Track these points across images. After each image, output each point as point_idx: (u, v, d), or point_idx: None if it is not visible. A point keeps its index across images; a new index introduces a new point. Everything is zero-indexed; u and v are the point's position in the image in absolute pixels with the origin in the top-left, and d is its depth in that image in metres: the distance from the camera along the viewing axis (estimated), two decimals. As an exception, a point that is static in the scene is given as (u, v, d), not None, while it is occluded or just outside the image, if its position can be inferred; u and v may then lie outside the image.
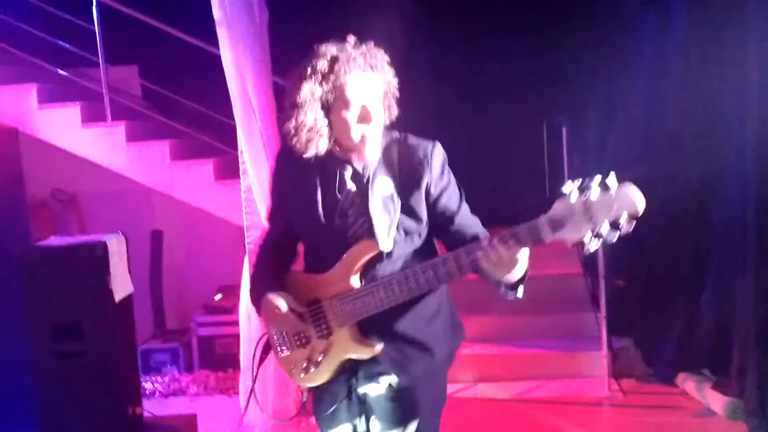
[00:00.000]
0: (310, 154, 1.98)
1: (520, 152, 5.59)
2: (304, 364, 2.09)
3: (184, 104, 5.34)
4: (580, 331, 4.55)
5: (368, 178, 2.01)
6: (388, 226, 1.97)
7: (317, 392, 2.17)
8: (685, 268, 4.17)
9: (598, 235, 1.66)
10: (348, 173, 2.02)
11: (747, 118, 3.53)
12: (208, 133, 5.22)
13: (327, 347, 2.06)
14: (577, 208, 1.67)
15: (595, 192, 1.65)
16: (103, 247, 2.89)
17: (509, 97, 5.61)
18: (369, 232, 1.98)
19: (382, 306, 1.96)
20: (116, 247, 2.95)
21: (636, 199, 1.64)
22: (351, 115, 1.95)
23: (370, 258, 1.99)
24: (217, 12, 3.77)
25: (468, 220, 2.03)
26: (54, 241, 3.11)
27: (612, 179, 1.65)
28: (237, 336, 4.07)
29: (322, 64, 1.94)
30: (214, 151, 5.06)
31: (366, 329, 2.03)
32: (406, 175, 2.00)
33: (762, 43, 3.45)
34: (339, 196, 2.02)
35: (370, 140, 1.98)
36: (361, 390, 2.09)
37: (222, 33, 3.79)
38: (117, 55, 5.28)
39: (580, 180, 1.68)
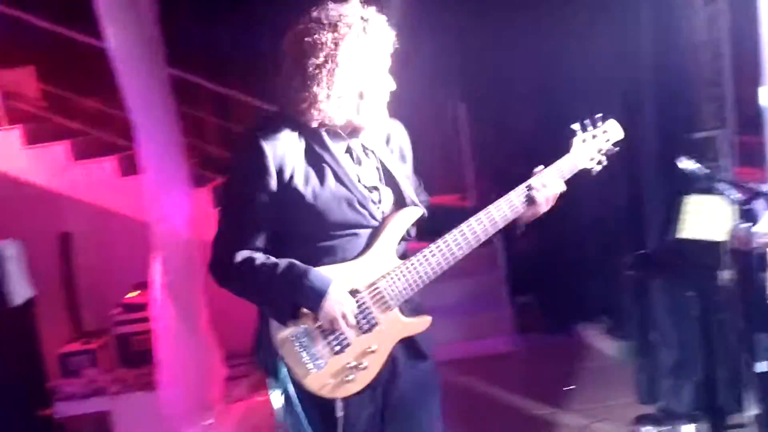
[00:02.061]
0: (330, 123, 1.82)
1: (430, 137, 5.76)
2: (348, 375, 1.84)
3: (86, 103, 5.29)
4: (484, 291, 4.75)
5: (377, 147, 1.95)
6: (412, 192, 1.95)
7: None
8: (580, 226, 4.44)
9: (599, 162, 2.01)
10: (358, 145, 1.92)
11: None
12: (112, 129, 5.19)
13: (374, 341, 1.86)
14: (588, 141, 2.00)
15: (594, 129, 2.01)
16: (-5, 253, 2.90)
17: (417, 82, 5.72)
18: (399, 202, 1.93)
19: (436, 273, 1.88)
20: (11, 253, 2.97)
21: (618, 129, 2.03)
22: (385, 81, 1.86)
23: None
24: (102, 7, 3.75)
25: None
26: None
27: (599, 118, 2.02)
28: (154, 332, 4.10)
29: (357, 22, 1.79)
30: (120, 148, 5.04)
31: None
32: (393, 145, 2.00)
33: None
34: (358, 170, 1.89)
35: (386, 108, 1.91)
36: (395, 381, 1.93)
37: (109, 29, 3.78)
38: (13, 57, 5.18)
39: (581, 122, 2.02)
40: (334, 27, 1.77)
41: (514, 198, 1.91)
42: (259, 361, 1.94)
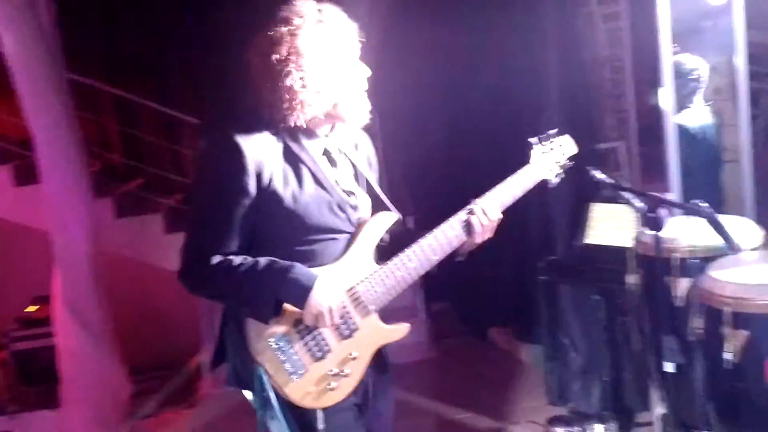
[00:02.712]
0: (302, 120, 1.77)
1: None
2: (330, 383, 1.78)
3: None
4: (400, 298, 4.78)
5: (350, 149, 1.93)
6: (386, 197, 1.93)
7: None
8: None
9: (557, 174, 2.12)
10: (334, 146, 1.88)
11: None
12: (7, 137, 4.91)
13: (355, 347, 1.81)
14: (547, 154, 2.09)
15: (551, 142, 2.10)
16: None
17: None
18: (375, 206, 1.92)
19: (413, 278, 1.86)
20: None
21: (572, 144, 2.17)
22: (358, 68, 1.85)
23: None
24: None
25: None
26: None
27: (554, 133, 2.13)
28: (57, 348, 3.90)
29: (312, 13, 1.78)
30: (15, 156, 4.77)
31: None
32: (361, 153, 1.97)
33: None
34: (335, 173, 1.86)
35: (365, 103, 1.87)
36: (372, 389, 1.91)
37: (6, 35, 3.59)
38: None
39: (539, 137, 2.11)
40: (288, 20, 1.76)
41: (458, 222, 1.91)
42: (228, 373, 1.86)
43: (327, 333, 1.79)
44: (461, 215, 1.91)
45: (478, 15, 4.31)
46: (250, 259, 1.76)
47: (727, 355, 2.13)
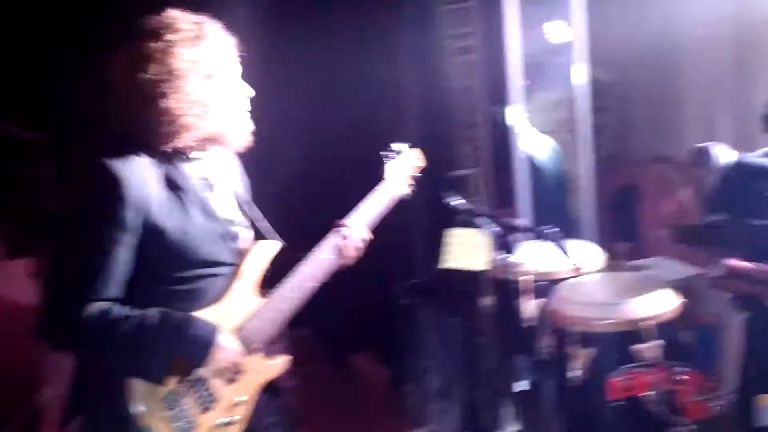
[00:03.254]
0: (182, 144, 1.62)
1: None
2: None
3: None
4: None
5: (225, 173, 1.78)
6: (267, 223, 1.81)
7: None
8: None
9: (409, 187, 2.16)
10: (211, 171, 1.74)
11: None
12: None
13: (242, 390, 1.70)
14: (399, 168, 2.11)
15: (400, 156, 2.13)
16: None
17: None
18: (256, 235, 1.78)
19: (296, 309, 1.77)
20: None
21: (421, 156, 2.22)
22: (239, 88, 1.72)
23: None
24: None
25: None
26: None
27: (403, 147, 2.17)
28: None
29: (189, 27, 1.62)
30: None
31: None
32: (234, 176, 1.85)
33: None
34: (215, 200, 1.72)
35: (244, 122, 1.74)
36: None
37: None
38: None
39: (390, 151, 2.14)
40: (159, 34, 1.60)
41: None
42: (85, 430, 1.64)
43: (213, 380, 1.67)
44: (332, 239, 1.87)
45: (338, 42, 4.35)
46: (134, 311, 1.56)
47: (574, 373, 2.24)
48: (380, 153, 2.12)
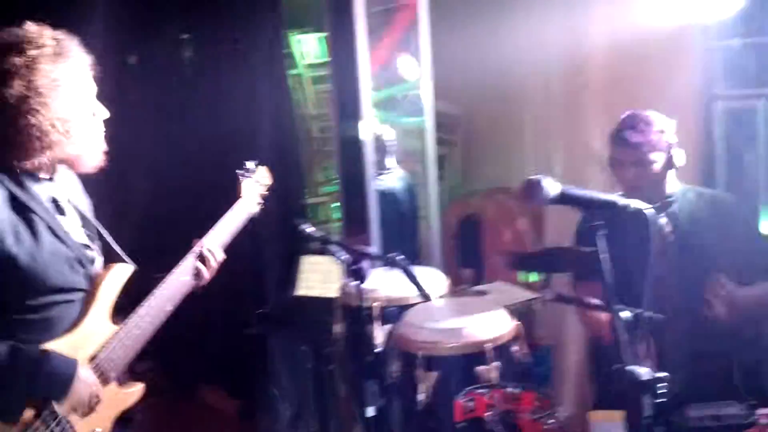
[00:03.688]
0: (36, 164, 1.57)
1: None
2: None
3: None
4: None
5: (73, 194, 1.70)
6: (118, 246, 1.72)
7: None
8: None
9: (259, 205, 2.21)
10: (61, 192, 1.65)
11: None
12: None
13: (98, 421, 1.64)
14: (252, 186, 2.18)
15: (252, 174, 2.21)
16: None
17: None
18: (108, 258, 1.69)
19: (150, 335, 1.72)
20: None
21: (268, 174, 2.29)
22: (95, 108, 1.65)
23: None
24: None
25: None
26: None
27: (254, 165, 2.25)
28: None
29: (49, 43, 1.56)
30: None
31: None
32: (80, 197, 1.76)
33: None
34: (66, 223, 1.64)
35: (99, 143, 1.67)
36: None
37: None
38: None
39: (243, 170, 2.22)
40: (20, 49, 1.56)
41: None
42: None
43: (69, 414, 1.61)
44: (189, 260, 1.86)
45: (194, 64, 4.28)
46: None
47: (421, 396, 2.31)
48: (236, 171, 2.19)
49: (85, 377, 1.60)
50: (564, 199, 1.63)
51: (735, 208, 2.55)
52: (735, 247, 2.43)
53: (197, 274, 1.87)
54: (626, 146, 2.43)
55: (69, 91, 1.61)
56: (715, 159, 3.42)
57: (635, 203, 1.65)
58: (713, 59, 3.41)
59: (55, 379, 1.54)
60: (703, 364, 2.42)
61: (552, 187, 1.62)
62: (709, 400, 2.13)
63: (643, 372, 1.50)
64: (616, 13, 3.49)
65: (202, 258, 1.88)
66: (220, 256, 1.95)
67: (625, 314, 1.60)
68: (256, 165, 2.26)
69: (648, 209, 1.63)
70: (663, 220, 2.44)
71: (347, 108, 3.90)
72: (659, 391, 1.49)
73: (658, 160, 2.44)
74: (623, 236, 1.63)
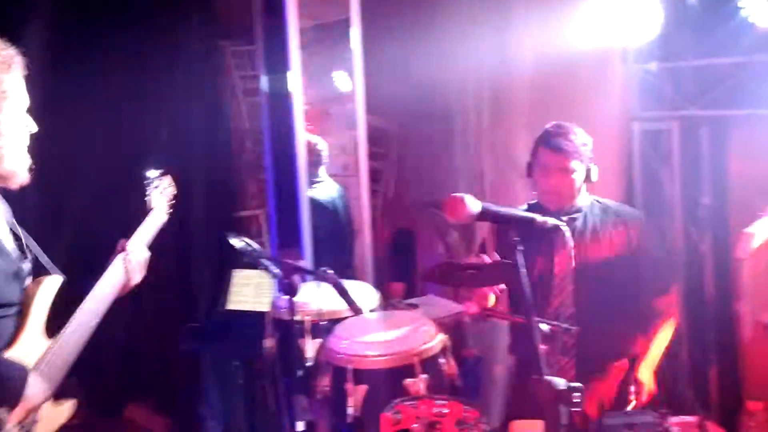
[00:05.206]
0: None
1: None
2: None
3: None
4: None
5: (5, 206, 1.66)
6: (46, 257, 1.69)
7: None
8: (126, 302, 4.32)
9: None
10: None
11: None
12: None
13: None
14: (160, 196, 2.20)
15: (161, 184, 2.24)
16: None
17: None
18: (37, 270, 1.66)
19: (81, 346, 1.71)
20: None
21: (173, 184, 2.30)
22: (26, 122, 1.63)
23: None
24: None
25: None
26: None
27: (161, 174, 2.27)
28: None
29: (8, 54, 1.55)
30: None
31: None
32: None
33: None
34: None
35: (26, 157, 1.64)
36: None
37: None
38: None
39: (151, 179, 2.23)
40: None
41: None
42: None
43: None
44: (116, 267, 1.87)
45: (122, 76, 4.21)
46: None
47: (350, 410, 2.33)
48: (144, 182, 2.22)
49: (38, 383, 1.59)
50: (485, 215, 1.69)
51: (638, 222, 2.66)
52: (636, 260, 2.55)
53: (126, 275, 1.90)
54: (555, 152, 2.52)
55: (14, 103, 1.60)
56: (633, 176, 3.57)
57: (552, 220, 1.72)
58: (632, 82, 3.57)
59: (9, 384, 1.54)
60: (594, 365, 2.52)
61: (473, 204, 1.67)
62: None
63: (560, 382, 1.56)
64: (542, 35, 3.63)
65: (128, 259, 1.91)
66: (144, 255, 1.98)
67: (543, 326, 1.66)
68: (161, 175, 2.29)
69: (564, 226, 1.69)
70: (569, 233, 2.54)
71: (279, 120, 3.91)
72: (575, 401, 1.55)
73: (580, 170, 2.54)
74: (538, 251, 1.70)
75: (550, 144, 2.54)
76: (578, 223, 2.58)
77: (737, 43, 3.15)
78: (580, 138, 2.55)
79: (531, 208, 2.60)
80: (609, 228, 2.59)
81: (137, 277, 1.94)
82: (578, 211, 2.60)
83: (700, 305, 3.44)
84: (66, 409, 1.77)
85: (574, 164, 2.52)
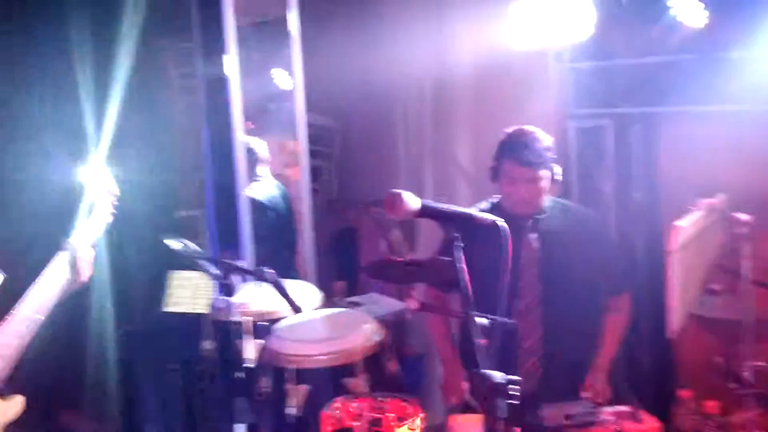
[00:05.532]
0: None
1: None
2: None
3: None
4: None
5: None
6: None
7: None
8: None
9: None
10: None
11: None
12: None
13: None
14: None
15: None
16: None
17: None
18: None
19: (25, 344, 1.72)
20: None
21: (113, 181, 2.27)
22: None
23: None
24: None
25: None
26: None
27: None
28: None
29: None
30: None
31: None
32: None
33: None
34: None
35: None
36: None
37: None
38: None
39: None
40: None
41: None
42: None
43: None
44: (59, 264, 1.85)
45: (62, 82, 4.09)
46: None
47: (290, 410, 2.31)
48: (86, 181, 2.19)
49: None
50: (424, 212, 1.69)
51: (595, 223, 2.74)
52: (597, 258, 2.61)
53: (74, 271, 1.89)
54: (522, 165, 2.50)
55: None
56: (570, 174, 3.64)
57: (491, 217, 1.73)
58: (566, 81, 3.64)
59: None
60: (559, 365, 2.57)
61: (412, 200, 1.67)
62: (560, 400, 2.27)
63: (497, 375, 1.57)
64: (479, 35, 3.66)
65: (75, 255, 1.91)
66: (92, 252, 1.98)
67: (481, 321, 1.67)
68: (103, 174, 2.26)
69: (502, 223, 1.71)
70: (533, 234, 2.57)
71: (217, 118, 3.85)
72: (512, 393, 1.57)
73: (546, 177, 2.54)
74: (481, 248, 1.71)
75: (515, 158, 2.50)
76: (544, 224, 2.60)
77: (667, 42, 3.23)
78: (543, 143, 2.53)
79: (494, 208, 2.63)
80: (571, 228, 2.62)
81: (84, 276, 1.94)
82: (543, 212, 2.62)
83: (634, 297, 3.53)
84: (14, 404, 1.78)
85: (541, 173, 2.51)
